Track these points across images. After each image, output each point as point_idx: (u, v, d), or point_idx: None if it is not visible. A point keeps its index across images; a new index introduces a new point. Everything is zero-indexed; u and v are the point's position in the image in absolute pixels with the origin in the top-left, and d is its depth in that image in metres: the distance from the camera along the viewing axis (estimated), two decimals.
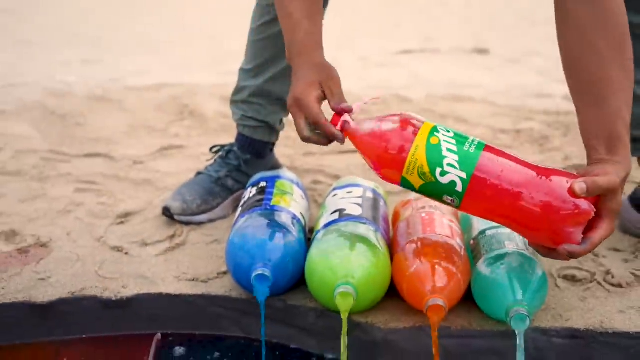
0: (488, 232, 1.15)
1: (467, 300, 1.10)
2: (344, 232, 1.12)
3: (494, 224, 1.16)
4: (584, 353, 1.07)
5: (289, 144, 1.89)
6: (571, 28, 1.01)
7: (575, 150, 1.84)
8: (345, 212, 1.19)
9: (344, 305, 1.04)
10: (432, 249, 1.09)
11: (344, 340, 1.04)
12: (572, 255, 0.95)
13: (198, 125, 2.14)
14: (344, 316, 1.04)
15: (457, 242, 1.12)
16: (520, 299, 1.01)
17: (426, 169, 0.99)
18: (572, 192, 0.94)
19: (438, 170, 0.99)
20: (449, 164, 0.99)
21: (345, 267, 1.07)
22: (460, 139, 1.01)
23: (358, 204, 1.21)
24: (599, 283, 1.18)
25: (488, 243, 1.12)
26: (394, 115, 1.04)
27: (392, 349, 1.10)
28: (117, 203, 1.56)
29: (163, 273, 1.27)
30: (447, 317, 1.05)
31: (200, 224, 1.44)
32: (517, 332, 0.99)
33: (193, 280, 1.24)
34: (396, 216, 1.28)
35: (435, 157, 0.99)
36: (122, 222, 1.47)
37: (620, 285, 1.17)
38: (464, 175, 0.98)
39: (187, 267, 1.29)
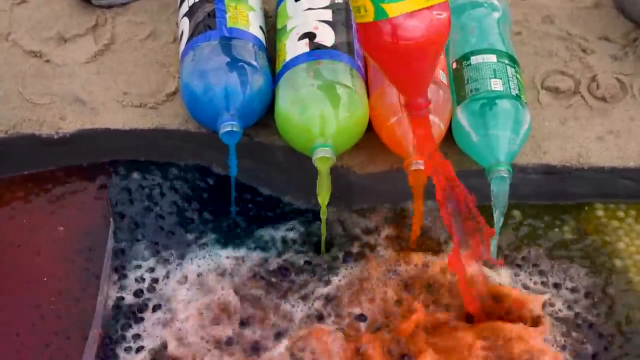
0: (473, 60, 1.04)
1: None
2: (317, 80, 0.99)
3: (479, 46, 1.05)
4: (558, 186, 1.08)
5: None
6: None
7: None
8: (316, 41, 1.02)
9: (324, 168, 0.97)
10: None
11: (323, 197, 0.99)
12: None
13: None
14: (325, 171, 0.97)
15: (440, 77, 1.02)
16: (503, 160, 0.97)
17: None
18: None
19: None
20: None
21: (322, 126, 0.97)
22: None
23: (328, 23, 1.04)
24: (582, 97, 1.13)
25: (472, 78, 1.02)
26: None
27: (369, 191, 1.07)
28: None
29: (101, 94, 1.12)
30: None
31: (124, 4, 1.22)
32: (496, 191, 0.97)
33: (140, 106, 1.10)
34: None
35: None
36: (24, 1, 1.22)
37: (604, 99, 1.12)
38: None
39: (126, 82, 1.13)
